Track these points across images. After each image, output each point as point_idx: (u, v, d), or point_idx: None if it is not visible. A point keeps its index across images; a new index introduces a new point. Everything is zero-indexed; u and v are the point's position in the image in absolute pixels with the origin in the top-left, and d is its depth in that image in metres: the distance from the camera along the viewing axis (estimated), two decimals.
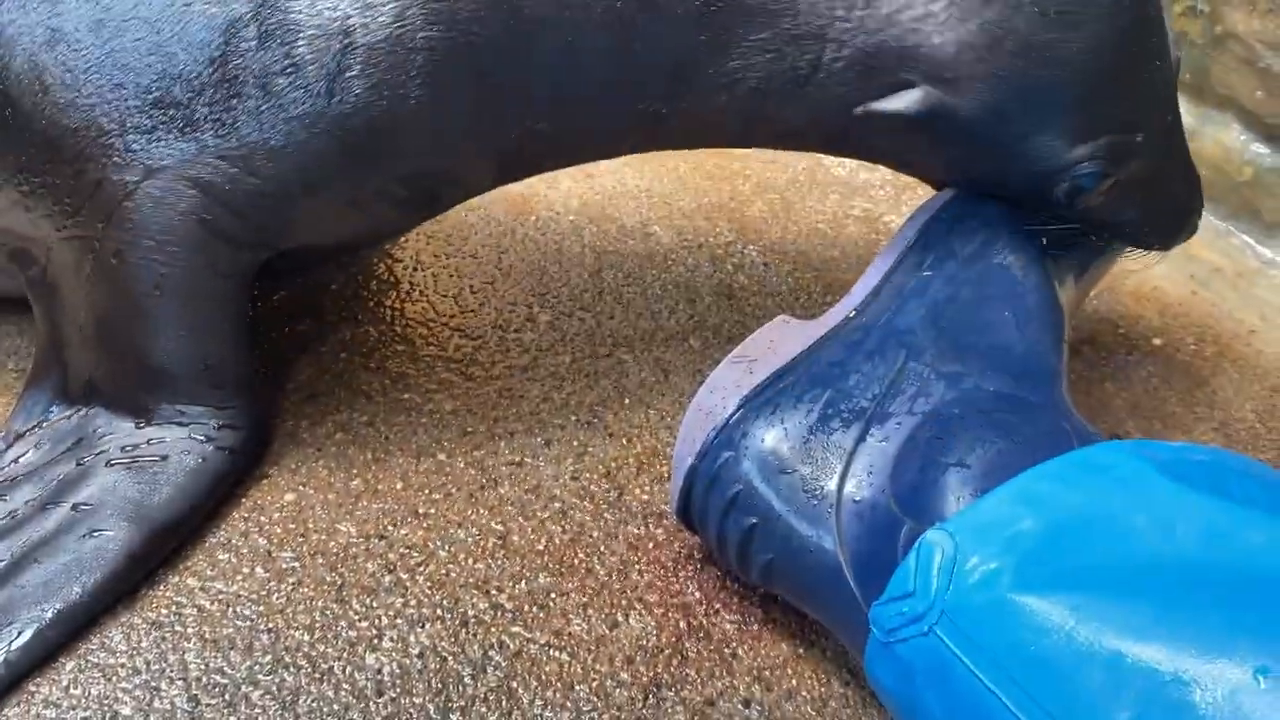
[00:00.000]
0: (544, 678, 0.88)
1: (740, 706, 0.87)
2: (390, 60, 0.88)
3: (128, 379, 1.00)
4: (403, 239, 1.34)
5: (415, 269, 1.30)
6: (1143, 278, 1.36)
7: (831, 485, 0.88)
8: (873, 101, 0.94)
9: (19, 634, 0.86)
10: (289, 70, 0.89)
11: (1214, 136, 1.42)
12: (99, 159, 0.92)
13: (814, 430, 0.91)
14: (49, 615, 0.87)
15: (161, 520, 0.94)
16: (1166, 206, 1.06)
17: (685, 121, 0.99)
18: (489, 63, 0.90)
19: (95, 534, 0.92)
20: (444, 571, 0.96)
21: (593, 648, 0.91)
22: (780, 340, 1.00)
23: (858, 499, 0.86)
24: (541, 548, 0.99)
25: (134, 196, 0.93)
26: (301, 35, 0.88)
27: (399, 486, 1.04)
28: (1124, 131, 0.95)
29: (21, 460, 0.99)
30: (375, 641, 0.90)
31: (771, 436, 0.91)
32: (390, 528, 1.00)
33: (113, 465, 0.96)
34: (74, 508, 0.94)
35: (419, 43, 0.88)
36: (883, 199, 1.46)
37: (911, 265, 1.04)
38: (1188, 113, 1.44)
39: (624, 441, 1.10)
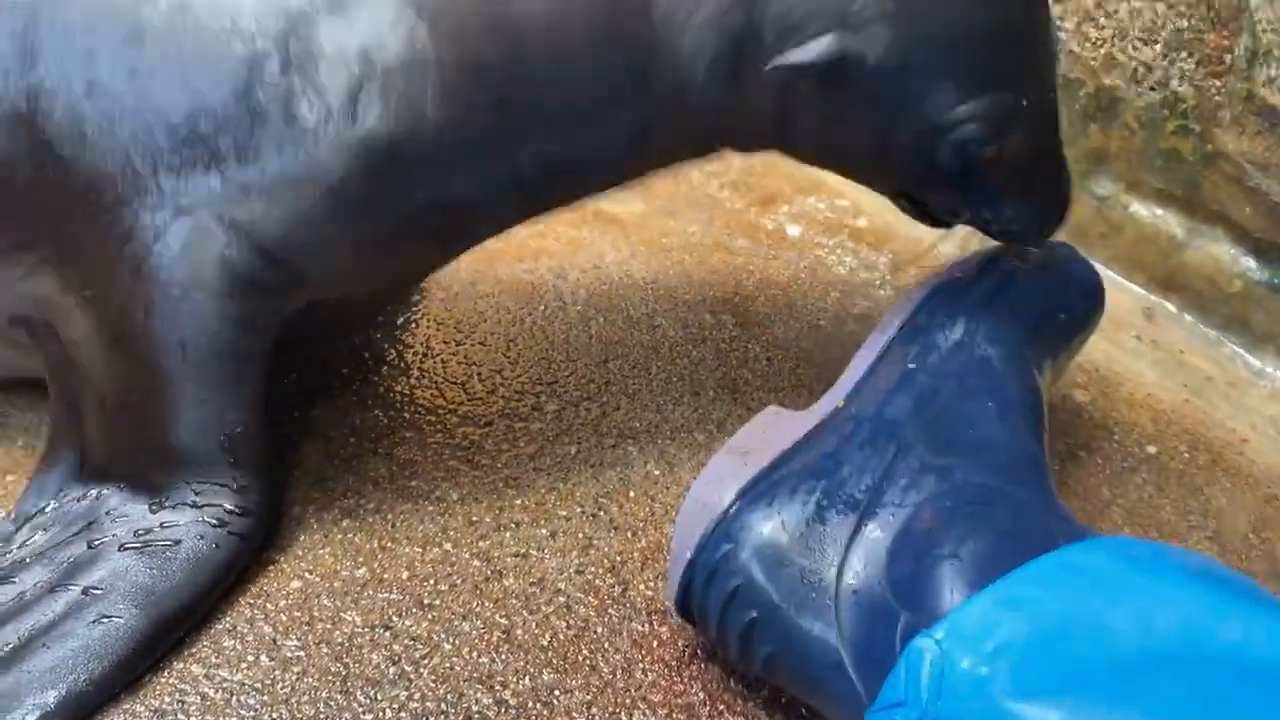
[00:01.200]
0: None
1: None
2: (405, 81, 0.92)
3: (144, 456, 1.01)
4: (413, 324, 1.36)
5: (425, 355, 1.32)
6: (1136, 384, 1.40)
7: (830, 577, 0.89)
8: (784, 55, 0.97)
9: None
10: (311, 96, 0.92)
11: (1205, 249, 1.46)
12: (132, 202, 0.94)
13: (811, 522, 0.92)
14: (54, 703, 0.87)
15: (172, 608, 0.94)
16: (1044, 192, 1.09)
17: (662, 132, 1.03)
18: (497, 81, 0.94)
19: (104, 620, 0.92)
20: (449, 665, 0.96)
21: None
22: (773, 431, 1.02)
23: (856, 590, 0.87)
24: (546, 643, 0.99)
25: (164, 239, 0.94)
26: (322, 62, 0.92)
27: (405, 576, 1.04)
28: (1009, 92, 0.99)
29: (32, 542, 1.00)
30: None
31: (769, 528, 0.92)
32: (396, 618, 1.00)
33: (125, 549, 0.97)
34: (84, 591, 0.94)
35: (431, 63, 0.92)
36: (882, 299, 1.49)
37: (896, 357, 1.07)
38: (1179, 226, 1.49)
39: (629, 535, 1.11)
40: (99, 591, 0.94)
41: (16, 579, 0.96)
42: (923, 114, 0.99)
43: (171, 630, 0.95)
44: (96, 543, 0.98)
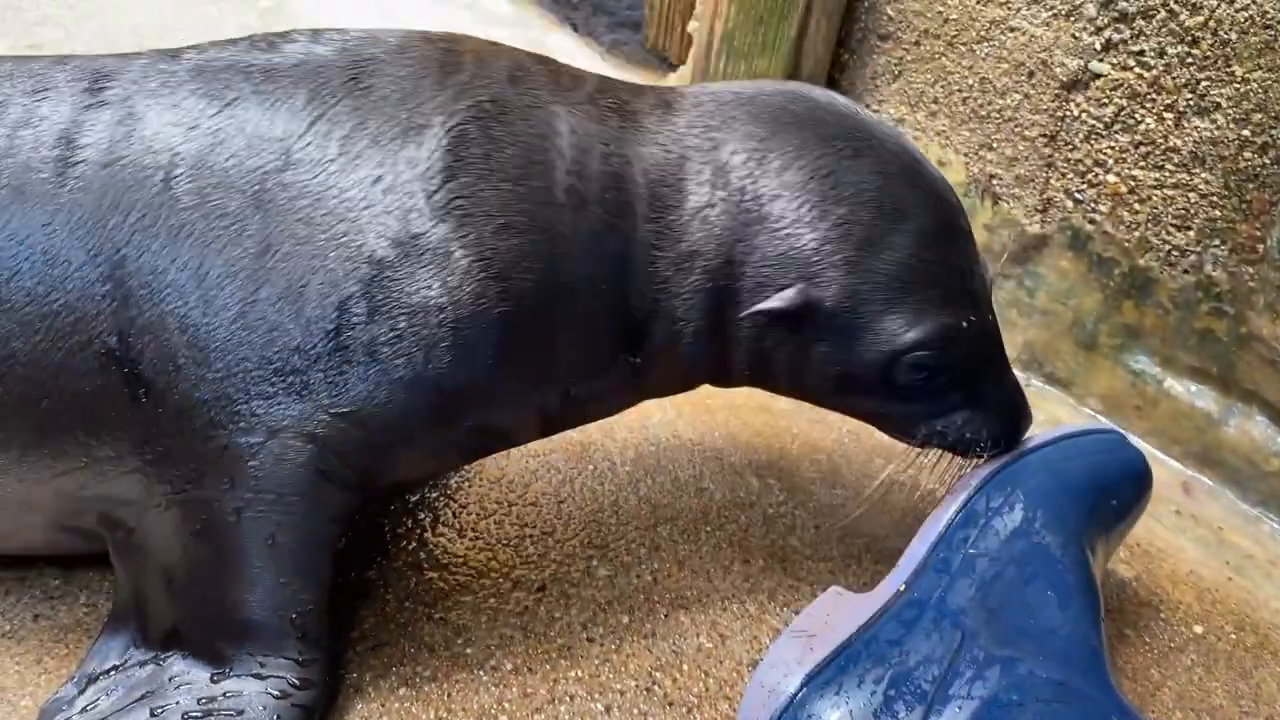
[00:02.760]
0: None
1: None
2: (473, 333, 1.01)
3: (212, 629, 1.02)
4: (466, 483, 1.38)
5: (479, 516, 1.34)
6: (1178, 561, 1.41)
7: None
8: (761, 303, 1.08)
9: None
10: (393, 341, 1.00)
11: (1241, 427, 1.49)
12: (226, 425, 0.98)
13: (878, 713, 0.93)
14: None
15: None
16: (996, 406, 1.17)
17: (656, 374, 1.15)
18: (540, 333, 1.05)
19: None
20: None
21: None
22: (836, 614, 1.03)
23: None
24: None
25: (258, 456, 0.99)
26: (403, 311, 0.99)
27: None
28: (950, 316, 1.09)
29: (95, 707, 0.99)
30: None
31: (837, 716, 0.93)
32: None
33: (188, 718, 0.97)
34: None
35: (494, 318, 1.02)
36: (926, 466, 1.51)
37: (956, 541, 1.08)
38: (1215, 403, 1.52)
39: (683, 711, 1.11)
40: None
41: None
42: (878, 341, 1.08)
43: None
44: (160, 709, 0.98)
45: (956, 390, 1.13)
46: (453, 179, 1.00)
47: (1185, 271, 1.49)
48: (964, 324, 1.10)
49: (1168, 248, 1.51)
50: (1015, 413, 1.18)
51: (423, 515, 1.33)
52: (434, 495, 1.36)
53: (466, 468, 1.41)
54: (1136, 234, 1.53)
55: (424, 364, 1.00)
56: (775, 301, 1.06)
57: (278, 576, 1.01)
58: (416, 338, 0.99)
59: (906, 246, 1.07)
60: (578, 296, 1.05)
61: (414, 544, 1.29)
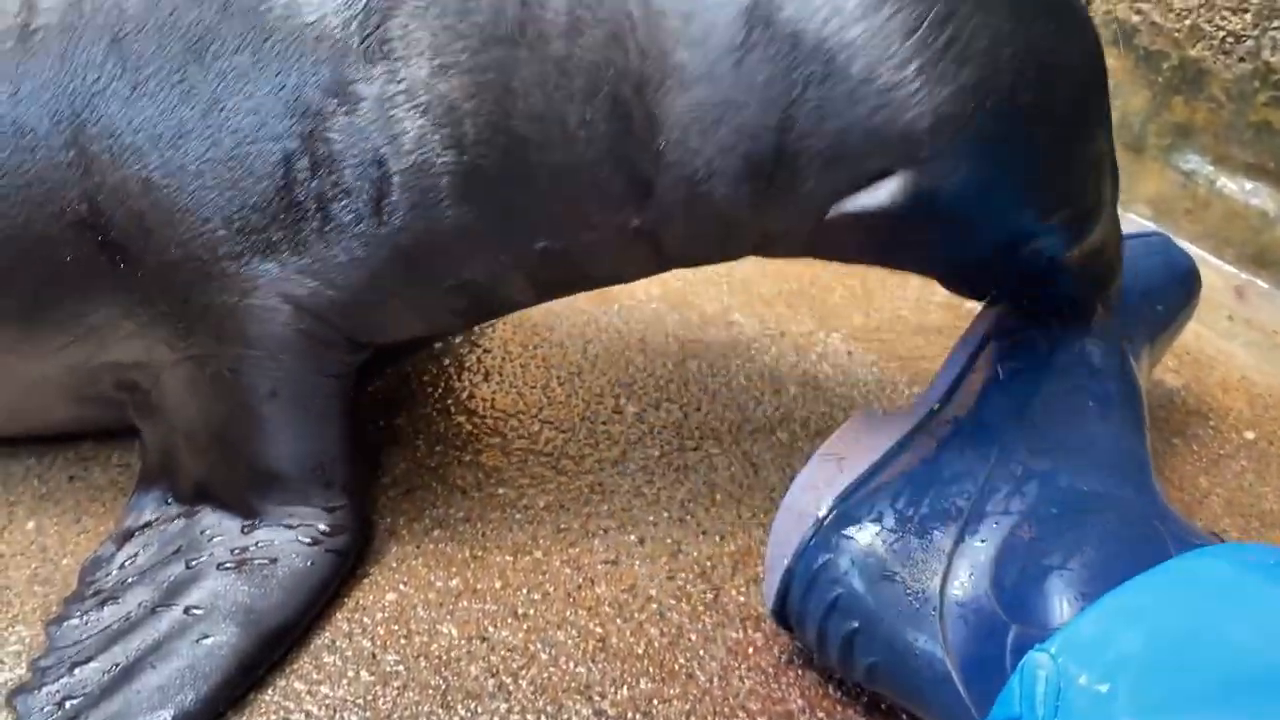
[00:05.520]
0: None
1: None
2: (420, 183, 0.94)
3: (238, 482, 1.03)
4: (490, 328, 1.36)
5: (504, 359, 1.32)
6: (1229, 367, 1.36)
7: (934, 588, 0.87)
8: (845, 200, 0.87)
9: None
10: (340, 196, 0.95)
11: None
12: (200, 284, 0.97)
13: (912, 531, 0.91)
14: None
15: (273, 625, 0.95)
16: (1100, 275, 1.02)
17: (673, 240, 0.98)
18: (499, 182, 0.95)
19: (207, 639, 0.93)
20: (546, 675, 0.97)
21: None
22: (867, 434, 1.00)
23: (961, 602, 0.86)
24: (641, 651, 0.99)
25: (237, 314, 0.97)
26: (345, 165, 0.94)
27: (498, 585, 1.05)
28: (1083, 201, 0.93)
29: (132, 562, 1.01)
30: None
31: (869, 537, 0.91)
32: (491, 629, 1.00)
33: (223, 568, 0.98)
34: (185, 611, 0.95)
35: (439, 167, 0.93)
36: None
37: (992, 357, 1.04)
38: (1272, 200, 1.44)
39: (717, 539, 1.10)
40: (200, 611, 0.95)
41: (120, 599, 0.98)
42: (1002, 233, 0.92)
43: (273, 648, 0.96)
44: (194, 562, 1.00)
45: (1080, 268, 0.98)
46: (386, 20, 0.92)
47: (1241, 59, 1.39)
48: (1094, 220, 0.94)
49: (1222, 34, 1.40)
50: (1111, 278, 1.03)
51: (447, 361, 1.32)
52: (458, 341, 1.34)
53: None
54: (1188, 22, 1.43)
55: (375, 218, 0.95)
56: (873, 198, 0.85)
57: (290, 429, 1.01)
58: (363, 191, 0.94)
59: (1055, 112, 0.86)
60: (544, 143, 0.92)
61: (441, 390, 1.28)
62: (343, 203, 0.94)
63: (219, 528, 1.02)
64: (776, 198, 0.90)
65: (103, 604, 0.98)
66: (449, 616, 1.01)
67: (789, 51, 0.83)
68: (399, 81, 0.92)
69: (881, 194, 0.85)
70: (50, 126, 0.96)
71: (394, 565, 1.06)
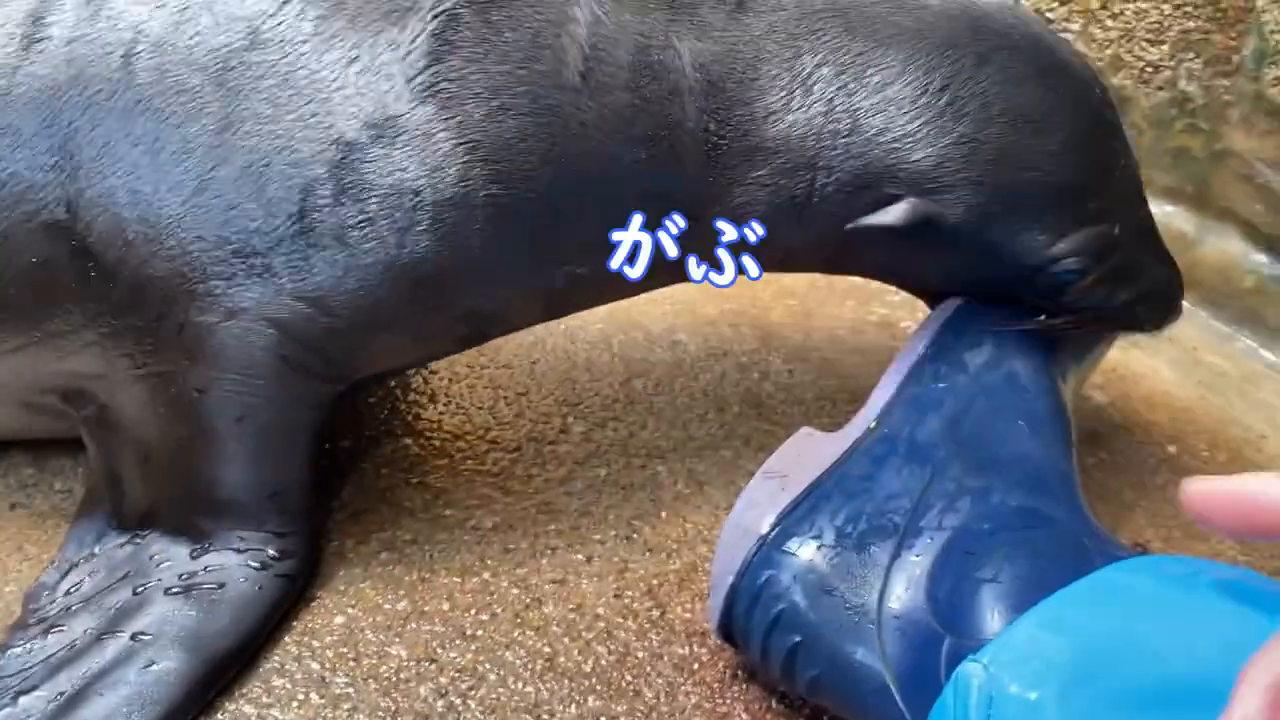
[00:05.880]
0: None
1: None
2: (455, 216, 0.96)
3: (190, 506, 1.02)
4: None
5: (451, 380, 1.33)
6: (1153, 383, 1.41)
7: (872, 602, 0.90)
8: (863, 218, 1.03)
9: None
10: (363, 224, 0.96)
11: (1216, 245, 1.48)
12: (182, 303, 0.96)
13: (851, 547, 0.94)
14: None
15: (220, 650, 0.95)
16: (1150, 292, 1.12)
17: (701, 258, 1.07)
18: (539, 215, 0.99)
19: (154, 665, 0.93)
20: (495, 695, 0.98)
21: None
22: (808, 453, 1.03)
23: (898, 615, 0.89)
24: (589, 669, 1.01)
25: (216, 335, 0.97)
26: (374, 194, 0.95)
27: (446, 607, 1.06)
28: (1099, 225, 1.04)
29: (78, 588, 1.00)
30: None
31: (810, 554, 0.94)
32: (440, 650, 1.01)
33: (170, 593, 0.98)
34: (133, 637, 0.95)
35: (480, 200, 0.96)
36: (899, 304, 1.50)
37: (926, 376, 1.08)
38: (1189, 223, 1.51)
39: (663, 557, 1.13)
40: (147, 637, 0.95)
41: (65, 626, 0.97)
42: (1014, 259, 1.04)
43: (221, 673, 0.96)
44: (141, 588, 0.99)
45: (1110, 291, 1.08)
46: (438, 62, 0.95)
47: (1159, 88, 1.45)
48: (1115, 230, 1.04)
49: (1141, 64, 1.47)
50: (1167, 295, 1.14)
51: (394, 383, 1.33)
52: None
53: None
54: (1109, 52, 1.49)
55: (397, 248, 0.96)
56: (884, 217, 1.01)
57: (251, 457, 1.01)
58: (390, 221, 0.95)
59: (1043, 160, 1.01)
60: (598, 178, 0.99)
61: (387, 412, 1.29)
62: (364, 231, 0.95)
63: (166, 553, 1.01)
64: (806, 221, 1.05)
65: (47, 632, 0.97)
66: (398, 639, 1.02)
67: (824, 112, 1.02)
68: (448, 120, 0.95)
69: (891, 214, 1.01)
70: (38, 129, 0.96)
71: (342, 588, 1.07)
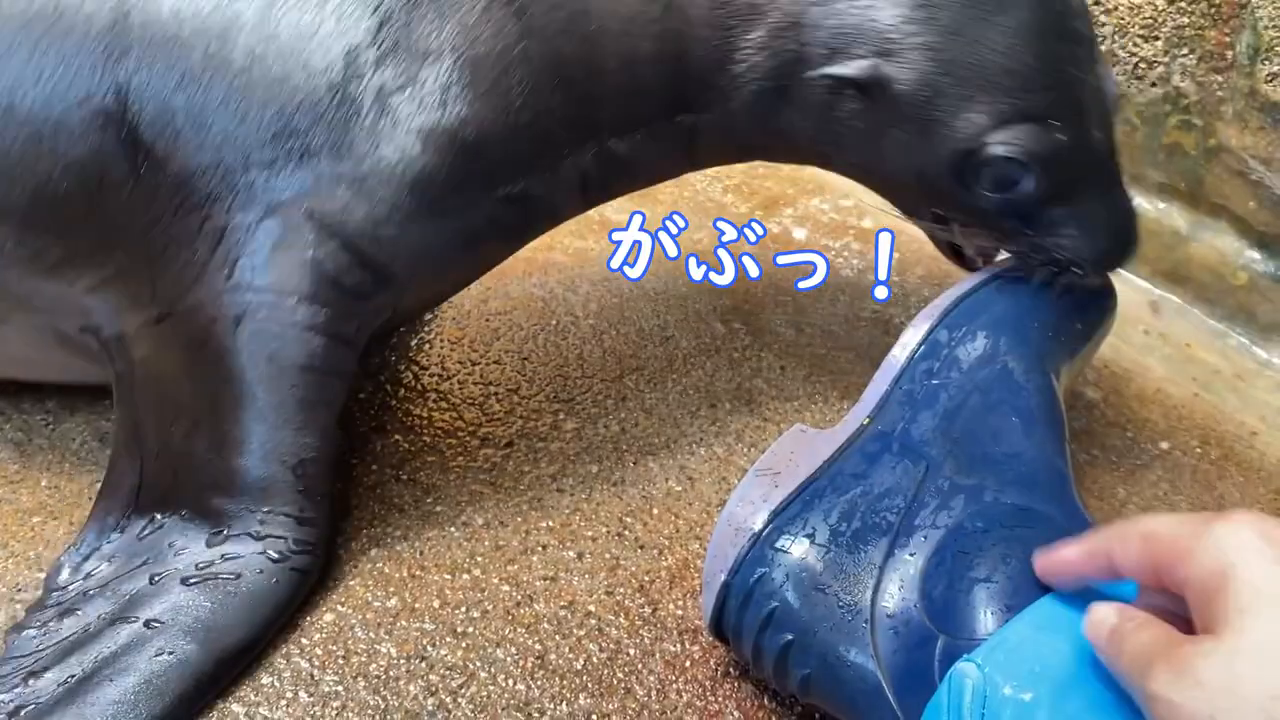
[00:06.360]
0: None
1: None
2: (494, 73, 0.97)
3: (209, 481, 1.01)
4: (427, 345, 1.36)
5: (441, 377, 1.32)
6: (1146, 380, 1.41)
7: (865, 600, 0.90)
8: (825, 66, 1.04)
9: None
10: (404, 87, 0.96)
11: (1209, 242, 1.47)
12: (225, 198, 0.96)
13: (844, 545, 0.93)
14: None
15: (231, 643, 0.95)
16: (1093, 226, 1.09)
17: (710, 134, 1.11)
18: (574, 74, 1.01)
19: (165, 654, 0.92)
20: (485, 693, 0.97)
21: None
22: (801, 450, 1.03)
23: (891, 614, 0.88)
24: (580, 667, 1.00)
25: (255, 238, 0.96)
26: (415, 54, 0.96)
27: (436, 604, 1.05)
28: (1043, 125, 1.02)
29: (96, 573, 1.00)
30: None
31: (803, 552, 0.93)
32: (430, 648, 1.00)
33: (187, 583, 0.97)
34: (146, 624, 0.94)
35: (516, 55, 0.98)
36: (892, 300, 1.49)
37: (920, 373, 1.07)
38: (1182, 219, 1.50)
39: (655, 554, 1.12)
40: (160, 625, 0.94)
41: (80, 610, 0.97)
42: (954, 137, 1.03)
43: (231, 666, 0.95)
44: (158, 576, 0.98)
45: (1050, 207, 1.07)
46: None
47: (1153, 84, 1.45)
48: (1058, 135, 1.02)
49: (1135, 60, 1.46)
50: (1118, 236, 1.11)
51: (384, 379, 1.32)
52: (393, 358, 1.35)
53: (425, 329, 1.39)
54: (1103, 47, 1.48)
55: (439, 110, 0.96)
56: (843, 68, 1.02)
57: (278, 410, 0.99)
58: (431, 81, 0.95)
59: (999, 41, 1.00)
60: (617, 38, 1.01)
61: (377, 408, 1.28)
62: (406, 92, 0.95)
63: (184, 539, 1.00)
64: (791, 92, 1.06)
65: (63, 615, 0.96)
66: (387, 636, 1.01)
67: None
68: None
69: (851, 65, 1.03)
70: (89, 11, 0.95)
71: (331, 585, 1.06)
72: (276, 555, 1.00)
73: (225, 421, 1.00)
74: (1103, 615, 0.73)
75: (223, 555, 0.99)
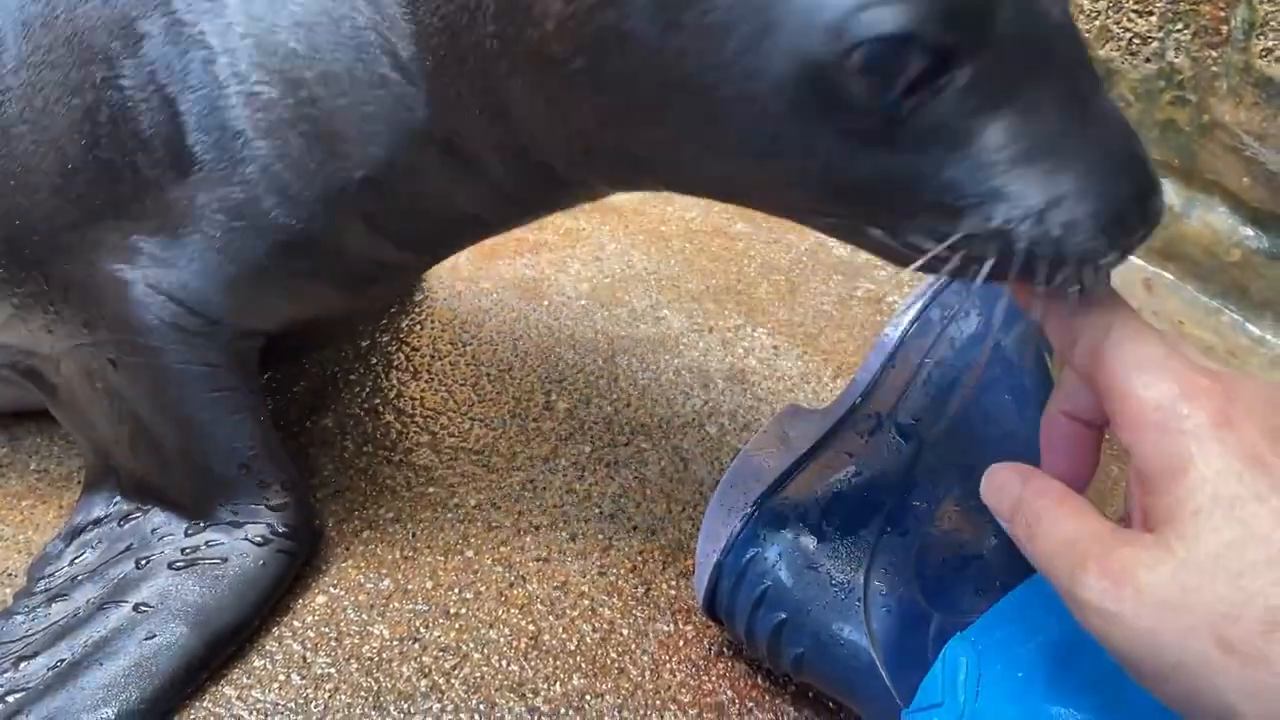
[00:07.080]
0: None
1: None
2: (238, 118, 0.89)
3: (173, 483, 1.01)
4: (419, 326, 1.36)
5: (433, 357, 1.32)
6: None
7: (858, 579, 0.90)
8: None
9: None
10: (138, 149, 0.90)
11: (1203, 219, 1.46)
12: (50, 259, 0.95)
13: (836, 525, 0.93)
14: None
15: (221, 625, 0.95)
16: (1080, 165, 0.64)
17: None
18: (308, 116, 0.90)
19: (155, 637, 0.92)
20: (478, 674, 0.97)
21: None
22: (793, 430, 1.02)
23: (884, 593, 0.88)
24: (574, 647, 1.00)
25: (91, 288, 0.94)
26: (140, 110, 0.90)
27: (429, 586, 1.05)
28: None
29: (83, 558, 1.00)
30: None
31: (795, 531, 0.93)
32: (423, 629, 1.00)
33: (174, 567, 0.97)
34: (135, 608, 0.94)
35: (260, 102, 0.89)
36: (884, 280, 1.49)
37: (913, 351, 1.07)
38: (1176, 195, 1.49)
39: (648, 534, 1.12)
40: (149, 608, 0.94)
41: (70, 595, 0.97)
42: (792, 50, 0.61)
43: (222, 648, 0.95)
44: (145, 560, 0.98)
45: (982, 128, 0.62)
46: None
47: (1147, 60, 1.44)
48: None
49: (1129, 35, 1.45)
50: (1120, 179, 0.65)
51: (375, 360, 1.31)
52: (385, 339, 1.34)
53: (416, 310, 1.38)
54: (1097, 23, 1.47)
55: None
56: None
57: (195, 429, 0.98)
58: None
59: None
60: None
61: (368, 389, 1.27)
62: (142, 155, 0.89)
63: (168, 526, 1.01)
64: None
65: (51, 600, 0.97)
66: (380, 618, 1.01)
67: None
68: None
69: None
70: None
71: (323, 568, 1.06)
72: (259, 539, 1.00)
73: (160, 438, 1.00)
74: (1001, 481, 0.62)
75: (207, 541, 1.00)
